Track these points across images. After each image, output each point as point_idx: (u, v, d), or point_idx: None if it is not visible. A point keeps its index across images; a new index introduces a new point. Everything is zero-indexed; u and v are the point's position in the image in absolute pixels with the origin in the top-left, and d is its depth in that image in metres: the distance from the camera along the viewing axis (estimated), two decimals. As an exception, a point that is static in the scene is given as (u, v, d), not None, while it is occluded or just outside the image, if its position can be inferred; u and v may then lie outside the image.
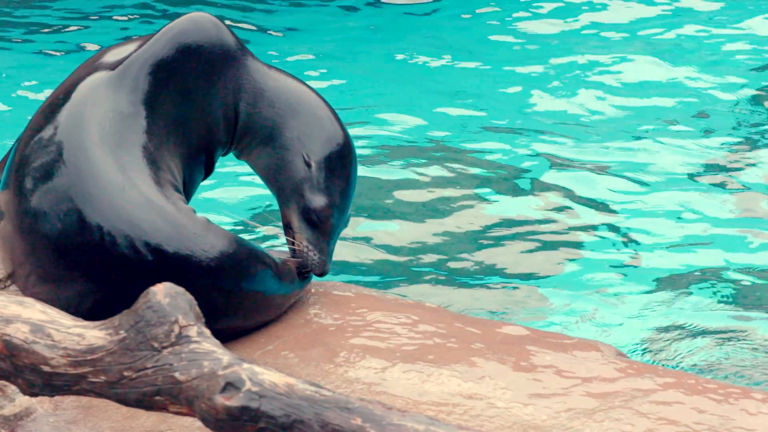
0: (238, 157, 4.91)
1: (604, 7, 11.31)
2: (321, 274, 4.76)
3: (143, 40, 4.76)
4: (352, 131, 4.96)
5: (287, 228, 4.79)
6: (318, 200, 4.73)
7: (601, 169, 8.46)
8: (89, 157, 4.45)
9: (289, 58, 10.24)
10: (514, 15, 11.17)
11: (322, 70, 10.05)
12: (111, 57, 4.71)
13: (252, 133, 4.81)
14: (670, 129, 9.14)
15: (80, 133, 4.50)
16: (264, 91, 4.81)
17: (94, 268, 4.40)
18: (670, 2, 11.36)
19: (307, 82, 4.96)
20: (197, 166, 4.77)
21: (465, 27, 11.03)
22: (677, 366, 6.20)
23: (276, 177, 4.79)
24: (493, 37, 10.90)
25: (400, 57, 10.42)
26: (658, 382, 4.30)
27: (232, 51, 4.80)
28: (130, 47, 4.73)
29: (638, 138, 8.96)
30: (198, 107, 4.74)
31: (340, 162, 4.79)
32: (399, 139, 8.92)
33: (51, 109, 4.60)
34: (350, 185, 4.82)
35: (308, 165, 4.73)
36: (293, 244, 4.74)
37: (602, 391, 4.25)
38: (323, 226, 4.74)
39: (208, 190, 7.83)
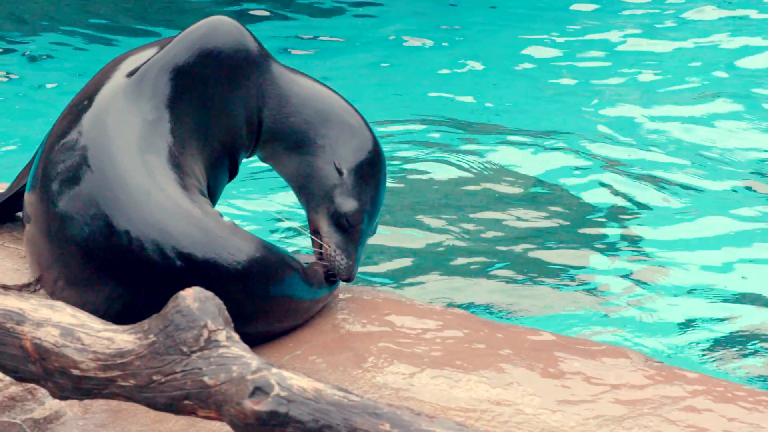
0: (263, 160, 4.90)
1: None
2: (348, 280, 4.76)
3: (163, 43, 4.75)
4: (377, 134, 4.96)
5: (315, 233, 4.78)
6: (349, 205, 4.73)
7: (630, 172, 8.44)
8: (115, 162, 4.46)
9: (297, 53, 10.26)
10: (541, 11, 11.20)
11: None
12: (130, 62, 4.71)
13: (278, 139, 4.80)
14: (698, 132, 9.10)
15: (104, 139, 4.50)
16: (289, 97, 4.80)
17: (122, 273, 4.40)
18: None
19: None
20: (221, 169, 4.77)
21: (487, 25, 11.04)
22: (707, 373, 6.17)
23: (305, 183, 4.78)
24: (523, 36, 10.90)
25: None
26: (687, 389, 4.28)
27: (254, 55, 4.78)
28: (150, 52, 4.72)
29: (668, 138, 8.93)
30: (219, 112, 4.73)
31: (371, 169, 4.79)
32: (420, 142, 8.92)
33: (74, 115, 4.61)
34: (380, 192, 4.81)
35: (340, 173, 4.73)
36: (321, 248, 4.74)
37: (631, 398, 4.23)
38: (353, 231, 4.74)
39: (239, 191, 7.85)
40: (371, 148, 4.80)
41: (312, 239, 4.79)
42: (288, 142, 4.80)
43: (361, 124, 4.83)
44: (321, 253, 4.74)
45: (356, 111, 4.86)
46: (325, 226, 4.74)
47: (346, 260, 4.73)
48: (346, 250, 4.73)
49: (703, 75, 10.14)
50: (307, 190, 4.78)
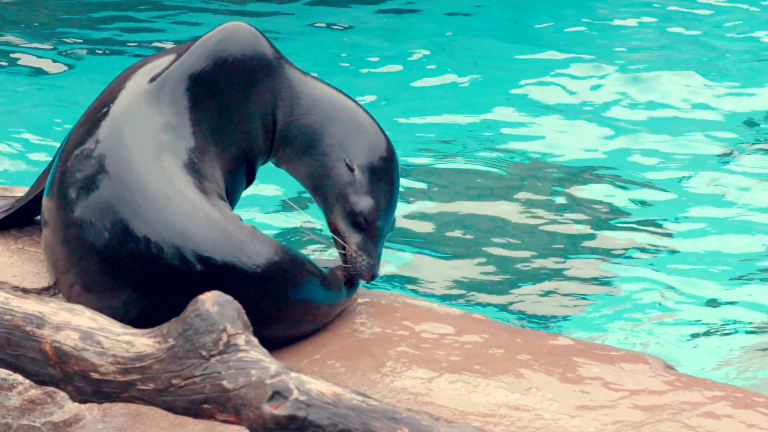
0: (277, 165, 4.91)
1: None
2: (370, 279, 4.76)
3: (180, 50, 4.77)
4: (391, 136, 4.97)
5: (335, 233, 4.79)
6: (364, 202, 4.73)
7: (647, 179, 8.42)
8: (133, 168, 4.47)
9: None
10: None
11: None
12: (149, 68, 4.72)
13: (290, 142, 4.81)
14: (712, 142, 9.09)
15: (122, 145, 4.52)
16: (301, 99, 4.81)
17: (142, 277, 4.41)
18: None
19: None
20: (239, 175, 4.78)
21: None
22: (726, 379, 6.16)
23: (319, 184, 4.79)
24: (538, 37, 10.90)
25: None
26: (706, 395, 4.27)
27: (270, 60, 4.80)
28: (168, 58, 4.74)
29: (688, 150, 8.92)
30: (237, 117, 4.75)
31: (383, 165, 4.79)
32: (441, 144, 8.93)
33: (92, 121, 4.62)
34: (394, 188, 4.82)
35: (351, 169, 4.74)
36: (344, 248, 4.75)
37: (650, 404, 4.22)
38: (370, 229, 4.74)
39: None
40: (382, 144, 4.81)
41: (334, 240, 4.79)
42: (299, 144, 4.81)
43: (370, 122, 4.84)
44: (344, 254, 4.75)
45: (366, 111, 4.87)
46: (342, 225, 4.75)
47: (367, 260, 4.73)
48: (366, 249, 4.73)
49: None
50: (322, 190, 4.78)
